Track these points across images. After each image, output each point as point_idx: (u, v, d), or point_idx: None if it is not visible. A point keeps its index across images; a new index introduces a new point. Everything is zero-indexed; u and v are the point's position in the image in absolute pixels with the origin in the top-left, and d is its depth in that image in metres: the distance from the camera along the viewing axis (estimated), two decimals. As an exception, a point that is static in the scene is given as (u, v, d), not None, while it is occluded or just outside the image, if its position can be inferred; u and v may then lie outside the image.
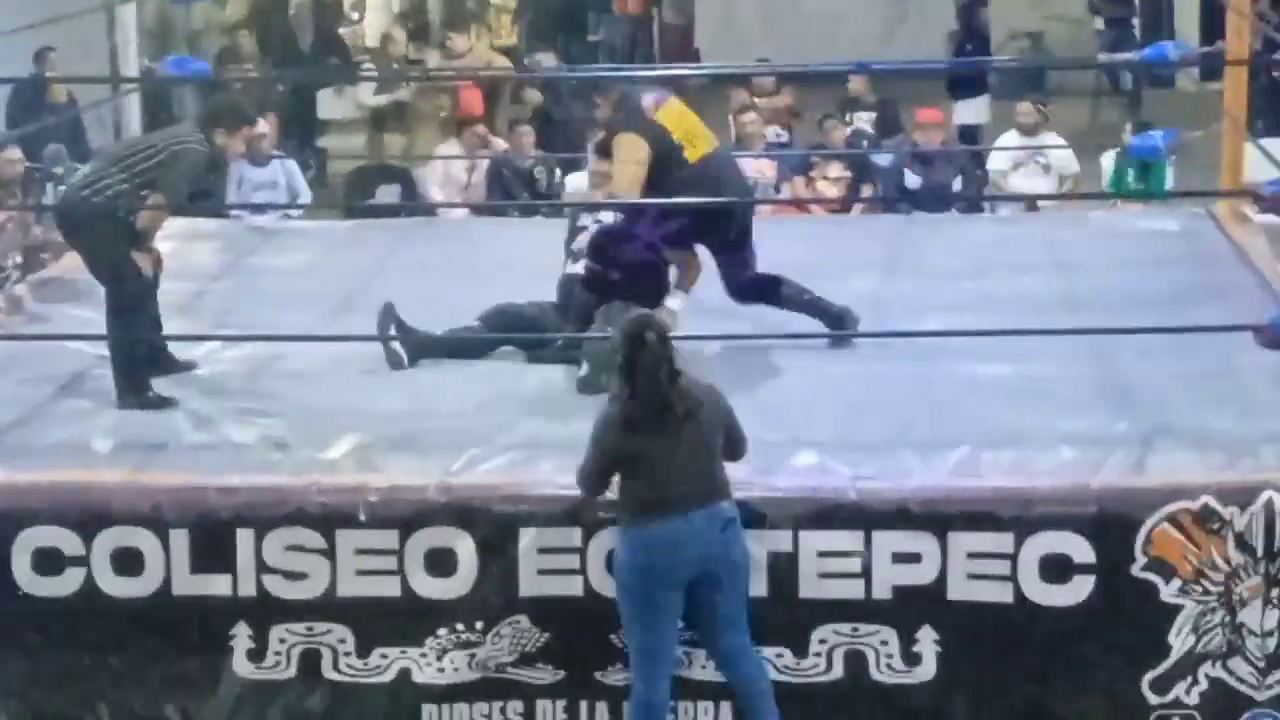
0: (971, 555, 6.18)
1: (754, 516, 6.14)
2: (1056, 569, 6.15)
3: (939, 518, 6.19)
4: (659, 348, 6.00)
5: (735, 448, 6.17)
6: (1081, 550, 6.14)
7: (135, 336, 7.25)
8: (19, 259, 9.51)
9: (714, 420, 6.07)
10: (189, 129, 7.44)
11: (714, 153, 7.73)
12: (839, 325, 7.76)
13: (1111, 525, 6.14)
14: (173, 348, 7.58)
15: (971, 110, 15.37)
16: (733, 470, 6.17)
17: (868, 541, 6.20)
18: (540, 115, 14.22)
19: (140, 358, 7.30)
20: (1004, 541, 6.16)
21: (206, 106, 7.53)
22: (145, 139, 7.89)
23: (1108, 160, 12.15)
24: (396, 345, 7.59)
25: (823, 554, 6.22)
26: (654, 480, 5.99)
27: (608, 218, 7.82)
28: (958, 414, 6.86)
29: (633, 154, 7.49)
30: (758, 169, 11.96)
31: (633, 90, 7.73)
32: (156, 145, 7.34)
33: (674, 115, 7.68)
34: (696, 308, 7.74)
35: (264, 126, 11.64)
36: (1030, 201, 11.55)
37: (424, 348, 7.64)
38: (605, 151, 7.79)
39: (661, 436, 5.98)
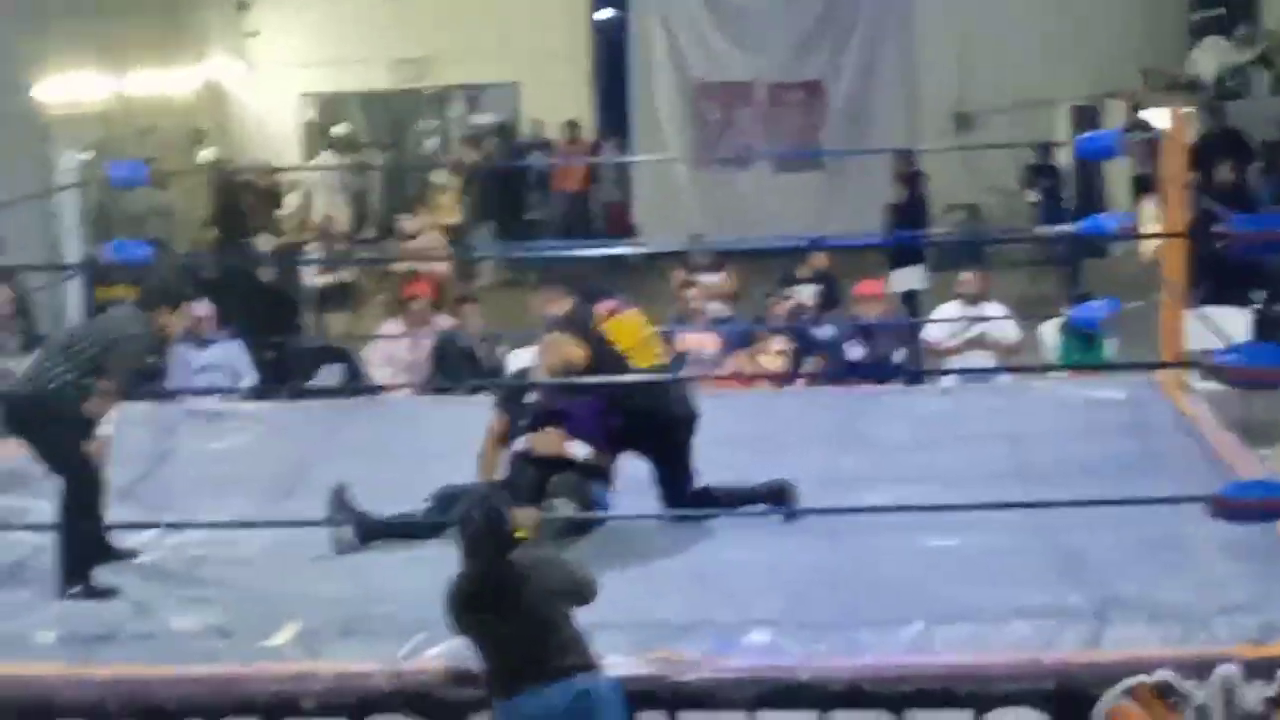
0: (929, 734, 6.09)
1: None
2: (1016, 746, 6.07)
3: (894, 696, 6.11)
4: (486, 527, 5.99)
5: (580, 596, 6.07)
6: (1040, 726, 6.07)
7: (79, 528, 7.10)
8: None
9: (548, 591, 5.98)
10: (130, 311, 7.36)
11: (663, 368, 7.80)
12: (781, 500, 7.72)
13: (1069, 700, 6.07)
14: (113, 535, 7.44)
15: (908, 278, 15.47)
16: (685, 651, 6.10)
17: (823, 722, 6.11)
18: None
19: (88, 547, 7.16)
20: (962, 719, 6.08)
21: (144, 288, 7.46)
22: (88, 325, 7.81)
23: (1047, 330, 12.18)
24: (344, 529, 7.50)
25: (777, 735, 6.12)
26: (492, 658, 5.96)
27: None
28: (910, 589, 6.80)
29: (559, 358, 7.49)
30: (701, 343, 11.97)
31: (588, 295, 7.75)
32: (100, 330, 7.28)
33: (627, 327, 7.70)
34: (637, 484, 7.69)
35: (205, 309, 11.59)
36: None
37: (372, 531, 7.55)
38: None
39: (493, 615, 5.93)
